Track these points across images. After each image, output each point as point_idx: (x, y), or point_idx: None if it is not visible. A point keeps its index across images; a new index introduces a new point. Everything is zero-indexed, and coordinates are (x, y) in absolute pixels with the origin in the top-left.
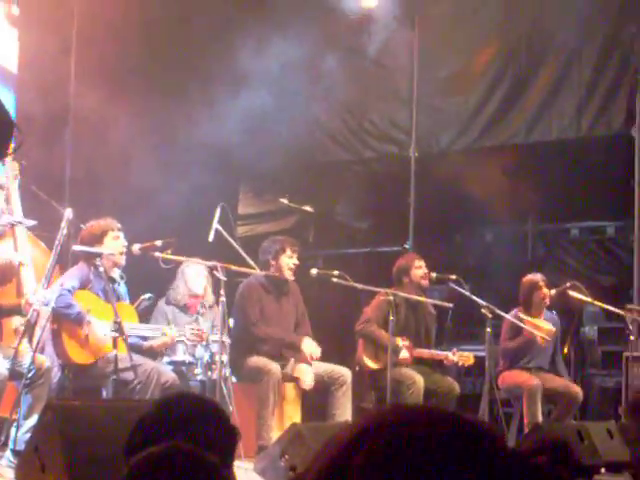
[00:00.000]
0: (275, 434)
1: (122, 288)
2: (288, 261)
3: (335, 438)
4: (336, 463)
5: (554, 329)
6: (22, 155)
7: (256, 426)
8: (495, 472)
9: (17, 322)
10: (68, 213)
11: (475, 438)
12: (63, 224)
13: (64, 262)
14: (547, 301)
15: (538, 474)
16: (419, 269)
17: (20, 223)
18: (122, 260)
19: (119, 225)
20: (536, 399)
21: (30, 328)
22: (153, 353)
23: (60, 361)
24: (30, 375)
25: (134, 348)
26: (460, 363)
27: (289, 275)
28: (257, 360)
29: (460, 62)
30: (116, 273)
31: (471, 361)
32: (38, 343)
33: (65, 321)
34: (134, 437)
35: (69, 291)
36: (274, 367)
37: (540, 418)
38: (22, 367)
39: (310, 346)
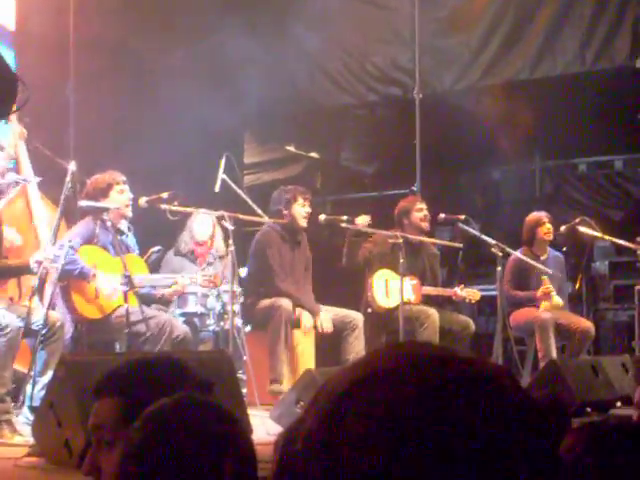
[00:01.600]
0: (289, 382)
1: (130, 239)
2: (301, 210)
3: (330, 386)
4: (328, 420)
5: (561, 303)
6: (24, 113)
7: (269, 360)
8: (506, 417)
9: (34, 281)
10: (72, 166)
11: (485, 380)
12: (67, 178)
13: (73, 218)
14: (550, 237)
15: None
16: (419, 212)
17: (25, 181)
18: (129, 212)
19: (124, 178)
20: (549, 333)
21: (40, 286)
22: (165, 301)
23: (72, 317)
24: (43, 332)
25: (146, 298)
26: (468, 299)
27: (303, 223)
28: (267, 300)
29: (461, 1)
30: (123, 225)
31: (478, 297)
32: (50, 300)
33: (71, 278)
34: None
35: (72, 247)
36: (284, 302)
37: (554, 353)
38: (35, 325)
39: (325, 320)
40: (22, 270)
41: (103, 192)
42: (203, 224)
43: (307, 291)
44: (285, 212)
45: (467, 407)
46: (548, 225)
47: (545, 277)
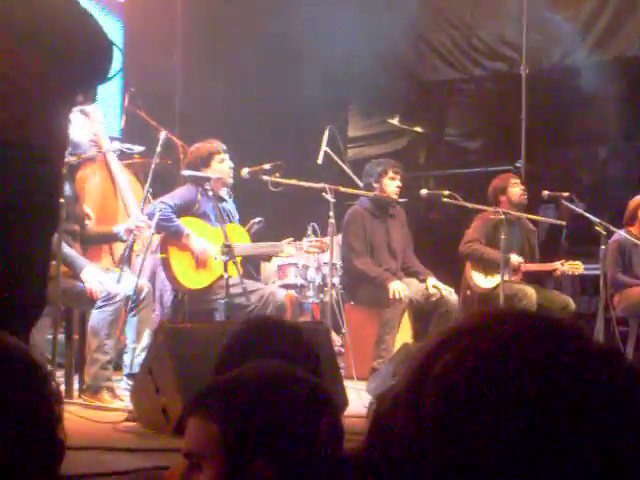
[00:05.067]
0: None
1: (231, 205)
2: (390, 183)
3: (419, 350)
4: (415, 377)
5: None
6: (131, 82)
7: (375, 349)
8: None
9: (123, 250)
10: (163, 136)
11: (567, 338)
12: (158, 148)
13: (172, 188)
14: None
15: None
16: (515, 186)
17: (130, 150)
18: (230, 180)
19: (224, 147)
20: None
21: (129, 254)
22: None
23: (173, 286)
24: (133, 300)
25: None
26: (570, 272)
27: (394, 196)
28: (372, 283)
29: None
30: (224, 192)
31: (581, 269)
32: (141, 269)
33: (173, 246)
34: (223, 359)
35: (170, 206)
36: (398, 286)
37: None
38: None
39: (398, 286)
40: (107, 237)
41: (204, 161)
42: None
43: (409, 260)
44: (375, 185)
45: (558, 368)
46: None
47: None
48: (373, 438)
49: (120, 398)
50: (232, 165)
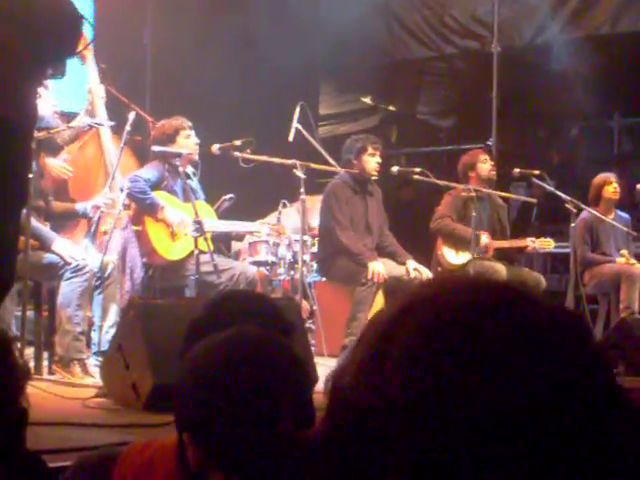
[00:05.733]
0: None
1: (195, 184)
2: (370, 159)
3: (380, 317)
4: (377, 347)
5: None
6: (101, 58)
7: (347, 326)
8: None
9: (108, 226)
10: (132, 116)
11: (525, 303)
12: (127, 127)
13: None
14: (616, 196)
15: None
16: (485, 162)
17: (99, 124)
18: (195, 156)
19: (190, 123)
20: (636, 285)
21: (94, 230)
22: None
23: (145, 260)
24: (98, 276)
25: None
26: (541, 249)
27: (373, 173)
28: (350, 261)
29: None
30: (189, 169)
31: (552, 245)
32: (107, 246)
33: (148, 217)
34: (188, 339)
35: (145, 180)
36: (377, 266)
37: (637, 305)
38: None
39: (377, 266)
40: (72, 214)
41: (170, 137)
42: None
43: (386, 239)
44: (355, 162)
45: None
46: (614, 185)
47: (625, 252)
48: (334, 413)
49: (91, 374)
50: (198, 141)
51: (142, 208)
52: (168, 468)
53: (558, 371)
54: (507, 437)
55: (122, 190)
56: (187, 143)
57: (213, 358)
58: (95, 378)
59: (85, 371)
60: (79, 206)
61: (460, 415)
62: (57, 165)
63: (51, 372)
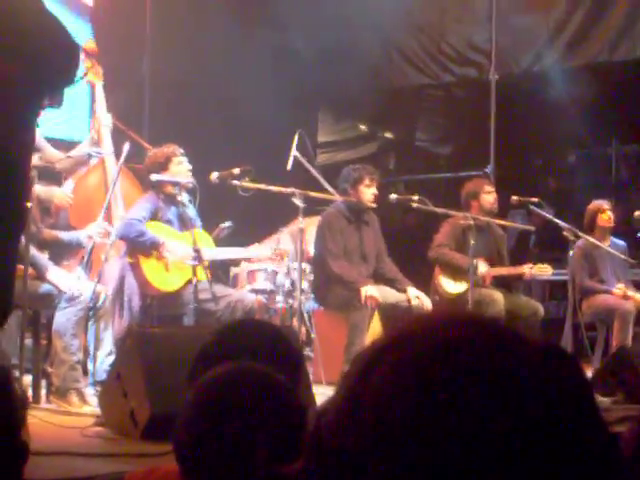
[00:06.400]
0: None
1: (191, 211)
2: (366, 190)
3: (359, 357)
4: (355, 387)
5: None
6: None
7: (345, 353)
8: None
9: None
10: (127, 147)
11: (502, 342)
12: (122, 159)
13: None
14: (611, 224)
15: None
16: (489, 194)
17: (99, 154)
18: (190, 184)
19: (182, 150)
20: (629, 323)
21: (88, 259)
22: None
23: (141, 291)
24: (91, 306)
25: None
26: (539, 275)
27: (369, 203)
28: (345, 290)
29: None
30: (184, 197)
31: (549, 272)
32: (100, 275)
33: (141, 252)
34: (197, 366)
35: (139, 221)
36: (370, 290)
37: (630, 341)
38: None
39: (369, 290)
40: (61, 244)
41: (162, 165)
42: None
43: (385, 266)
44: (351, 191)
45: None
46: (608, 213)
47: (621, 286)
48: (312, 452)
49: (88, 403)
50: (190, 167)
51: (143, 249)
52: None
53: (529, 413)
54: (478, 477)
55: (123, 238)
56: (179, 170)
57: (203, 400)
58: (93, 407)
59: (83, 400)
60: (66, 235)
61: (430, 456)
62: (57, 193)
63: (49, 401)
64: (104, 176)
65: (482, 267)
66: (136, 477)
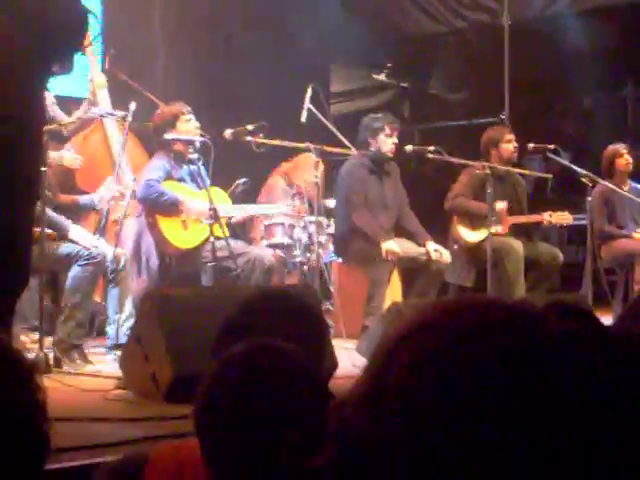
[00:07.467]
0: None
1: (201, 169)
2: (387, 140)
3: (379, 348)
4: (375, 380)
5: None
6: (111, 44)
7: (366, 307)
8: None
9: (117, 215)
10: (132, 107)
11: (524, 327)
12: (129, 118)
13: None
14: (629, 168)
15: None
16: (509, 143)
17: (110, 114)
18: (197, 143)
19: (189, 107)
20: None
21: (104, 223)
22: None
23: (159, 250)
24: (111, 269)
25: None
26: (559, 223)
27: (389, 154)
28: (366, 242)
29: None
30: (194, 155)
31: (569, 219)
32: (118, 238)
33: (159, 211)
34: (221, 339)
35: (157, 181)
36: (392, 245)
37: None
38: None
39: (389, 245)
40: (75, 208)
41: (170, 123)
42: None
43: (406, 218)
44: (371, 141)
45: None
46: (627, 156)
47: None
48: (335, 444)
49: (90, 361)
50: (198, 124)
51: (163, 209)
52: (198, 475)
53: (558, 397)
54: (503, 469)
55: (143, 200)
56: (187, 127)
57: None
58: (94, 365)
59: (84, 359)
60: (83, 199)
61: (457, 441)
62: (67, 156)
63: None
64: (105, 137)
65: (500, 204)
66: (162, 455)
